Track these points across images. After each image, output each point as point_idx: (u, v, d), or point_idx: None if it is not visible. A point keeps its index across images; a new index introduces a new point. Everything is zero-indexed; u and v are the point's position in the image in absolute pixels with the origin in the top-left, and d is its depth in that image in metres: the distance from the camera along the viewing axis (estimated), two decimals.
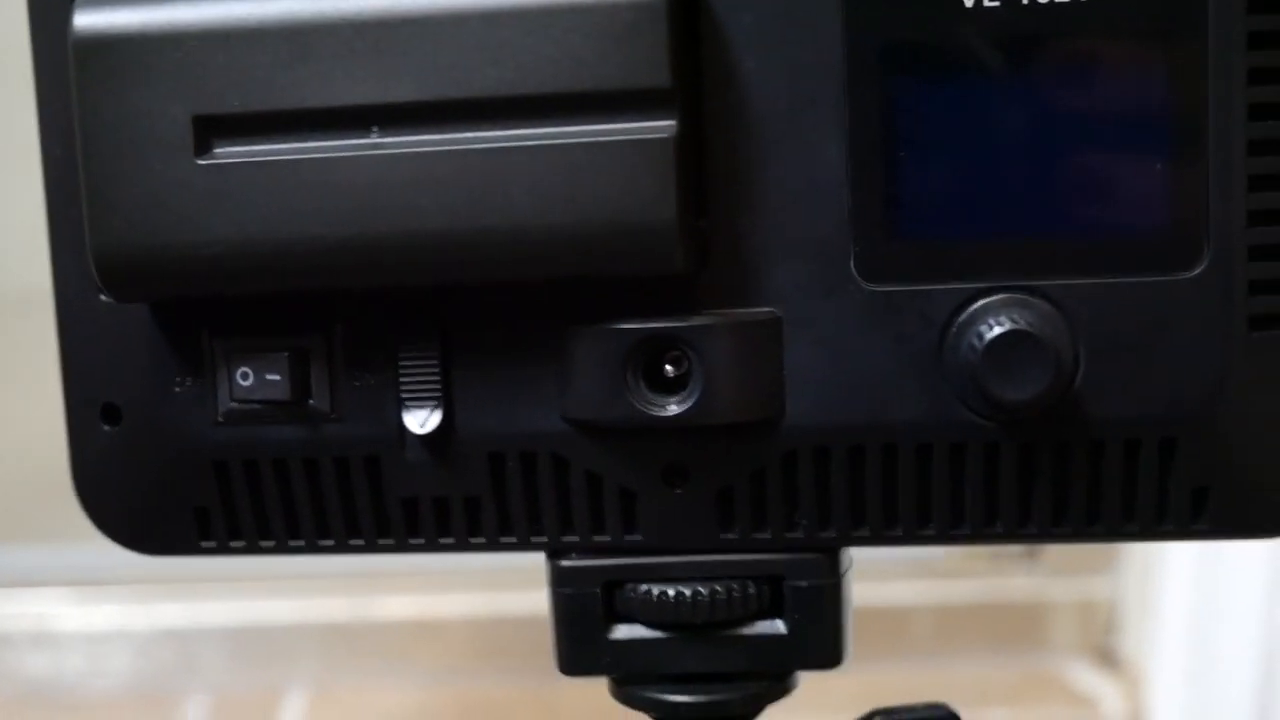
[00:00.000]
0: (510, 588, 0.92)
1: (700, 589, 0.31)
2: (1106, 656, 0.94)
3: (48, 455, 0.99)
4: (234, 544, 0.33)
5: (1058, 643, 0.94)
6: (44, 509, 1.01)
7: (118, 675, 0.94)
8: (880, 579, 0.93)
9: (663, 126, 0.27)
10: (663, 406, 0.29)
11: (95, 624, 0.94)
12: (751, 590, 0.31)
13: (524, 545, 0.32)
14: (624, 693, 0.33)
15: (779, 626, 0.31)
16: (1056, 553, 0.93)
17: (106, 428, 0.32)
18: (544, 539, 0.32)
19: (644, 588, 0.31)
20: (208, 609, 0.94)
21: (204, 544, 0.33)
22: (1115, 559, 0.93)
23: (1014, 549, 0.94)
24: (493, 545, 0.32)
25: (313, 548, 0.32)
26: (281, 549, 0.33)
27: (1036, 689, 0.92)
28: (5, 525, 0.98)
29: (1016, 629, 0.94)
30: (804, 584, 0.31)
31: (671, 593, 0.31)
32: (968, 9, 0.28)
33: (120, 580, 0.95)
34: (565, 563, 0.32)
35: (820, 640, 0.32)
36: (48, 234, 0.32)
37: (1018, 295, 0.29)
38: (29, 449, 0.96)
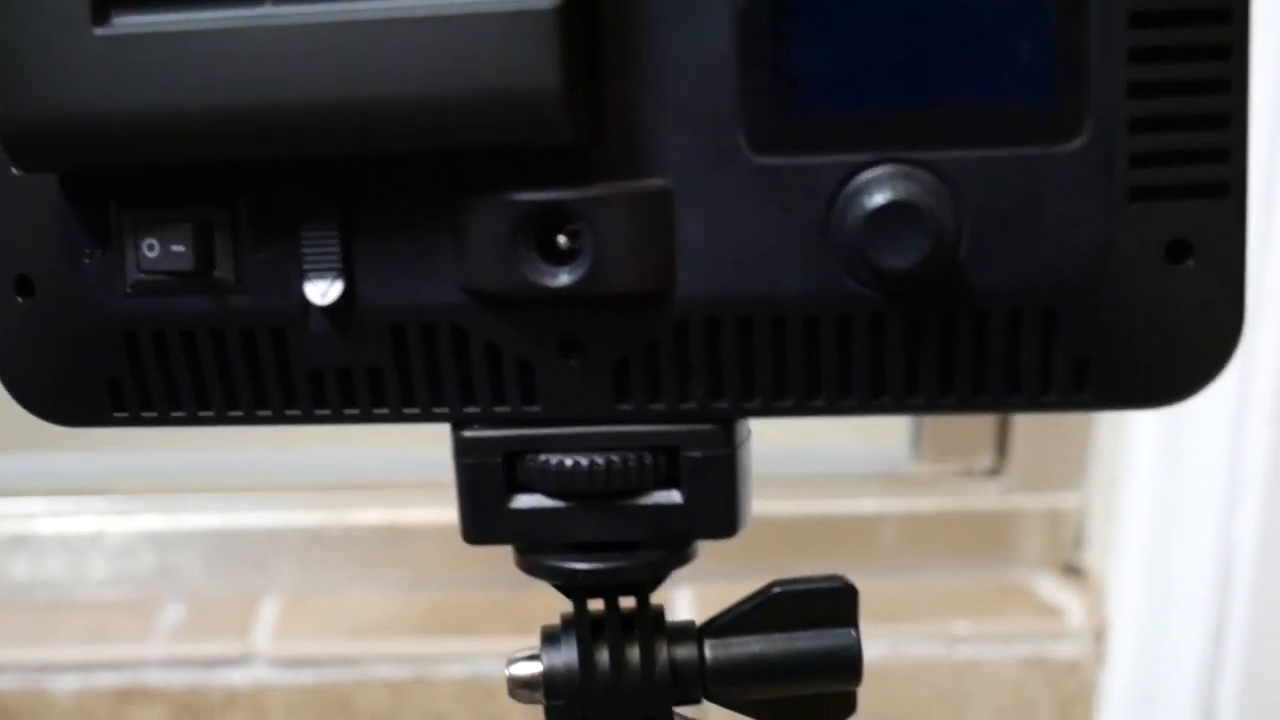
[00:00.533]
0: None
1: (598, 459, 0.32)
2: (1072, 569, 0.95)
3: None
4: (145, 414, 0.33)
5: (1024, 556, 0.95)
6: (24, 419, 1.02)
7: (97, 580, 0.95)
8: (849, 493, 0.94)
9: None
10: (555, 276, 0.30)
11: (75, 530, 0.95)
12: (648, 461, 0.32)
13: (427, 416, 0.32)
14: (527, 562, 0.34)
15: (675, 497, 0.32)
16: (1024, 467, 0.94)
17: (20, 300, 0.33)
18: (446, 410, 0.32)
19: (543, 458, 0.32)
20: (185, 517, 0.95)
21: (117, 415, 0.33)
22: (1082, 473, 0.93)
23: (982, 463, 0.95)
24: (396, 416, 0.33)
25: (222, 419, 0.33)
26: (191, 420, 0.33)
27: (1002, 600, 0.93)
28: None
29: (983, 542, 0.95)
30: (699, 455, 0.32)
31: (569, 463, 0.32)
32: None
33: (100, 489, 0.97)
34: (468, 433, 0.32)
35: (716, 510, 0.32)
36: None
37: (902, 167, 0.29)
38: None
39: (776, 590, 0.34)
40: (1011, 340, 0.30)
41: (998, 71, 0.29)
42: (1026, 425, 0.93)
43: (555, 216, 0.30)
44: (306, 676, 0.91)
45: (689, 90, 0.29)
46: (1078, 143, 0.28)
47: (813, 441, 1.01)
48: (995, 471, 0.95)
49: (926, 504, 0.94)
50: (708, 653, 0.34)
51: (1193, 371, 0.30)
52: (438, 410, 0.32)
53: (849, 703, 0.35)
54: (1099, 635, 0.90)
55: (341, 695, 0.91)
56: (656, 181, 0.30)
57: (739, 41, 0.29)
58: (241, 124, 0.29)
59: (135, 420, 0.33)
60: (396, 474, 0.97)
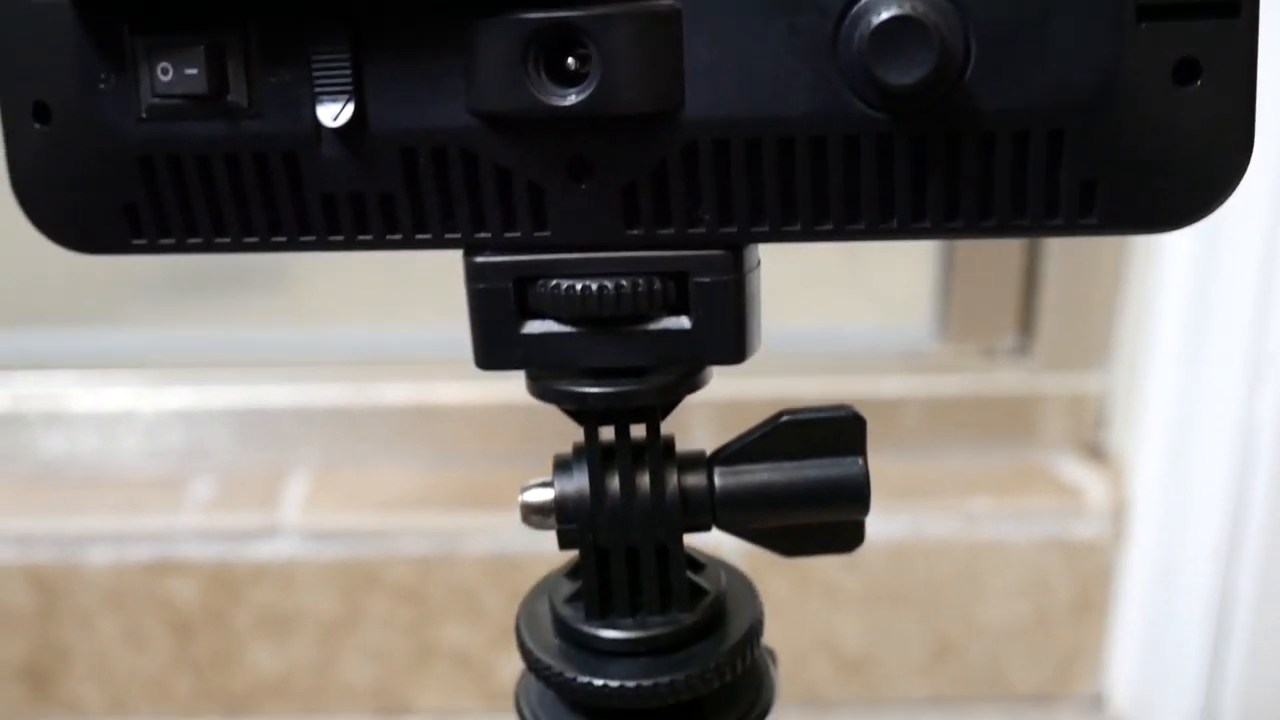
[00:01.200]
0: (507, 377, 0.93)
1: (607, 284, 0.32)
2: (1094, 450, 0.96)
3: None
4: (163, 241, 0.34)
5: (1047, 437, 0.96)
6: (56, 294, 1.03)
7: (128, 455, 0.97)
8: (872, 373, 0.94)
9: None
10: (563, 96, 0.30)
11: (106, 406, 0.96)
12: (657, 286, 0.32)
13: (439, 242, 0.33)
14: (538, 387, 0.34)
15: (684, 322, 0.33)
16: (1048, 348, 0.94)
17: (38, 126, 0.33)
18: (458, 235, 0.33)
19: (554, 283, 0.32)
20: (215, 392, 0.96)
21: (135, 242, 0.34)
22: (1107, 354, 0.93)
23: (1006, 344, 0.95)
24: (409, 242, 0.33)
25: (237, 245, 0.34)
26: (208, 247, 0.34)
27: (1024, 480, 0.93)
28: (19, 309, 1.01)
29: (1006, 423, 0.95)
30: (707, 280, 0.32)
31: (579, 287, 0.32)
32: None
33: (131, 364, 0.98)
34: (479, 259, 0.33)
35: (723, 335, 0.33)
36: None
37: None
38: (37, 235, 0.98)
39: (785, 419, 0.35)
40: (1018, 162, 0.30)
41: None
42: (1052, 305, 0.93)
43: (563, 37, 0.30)
44: (334, 550, 0.92)
45: None
46: None
47: (836, 322, 1.01)
48: (1019, 352, 0.95)
49: (949, 385, 0.94)
50: (717, 480, 0.35)
51: (1200, 194, 0.30)
52: (449, 236, 0.33)
53: (857, 533, 0.36)
54: (1118, 515, 0.91)
55: (369, 569, 0.92)
56: (664, 1, 0.30)
57: None
58: None
59: (153, 247, 0.34)
60: (424, 351, 0.97)
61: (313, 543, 0.92)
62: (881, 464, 0.87)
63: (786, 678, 0.96)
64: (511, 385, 1.02)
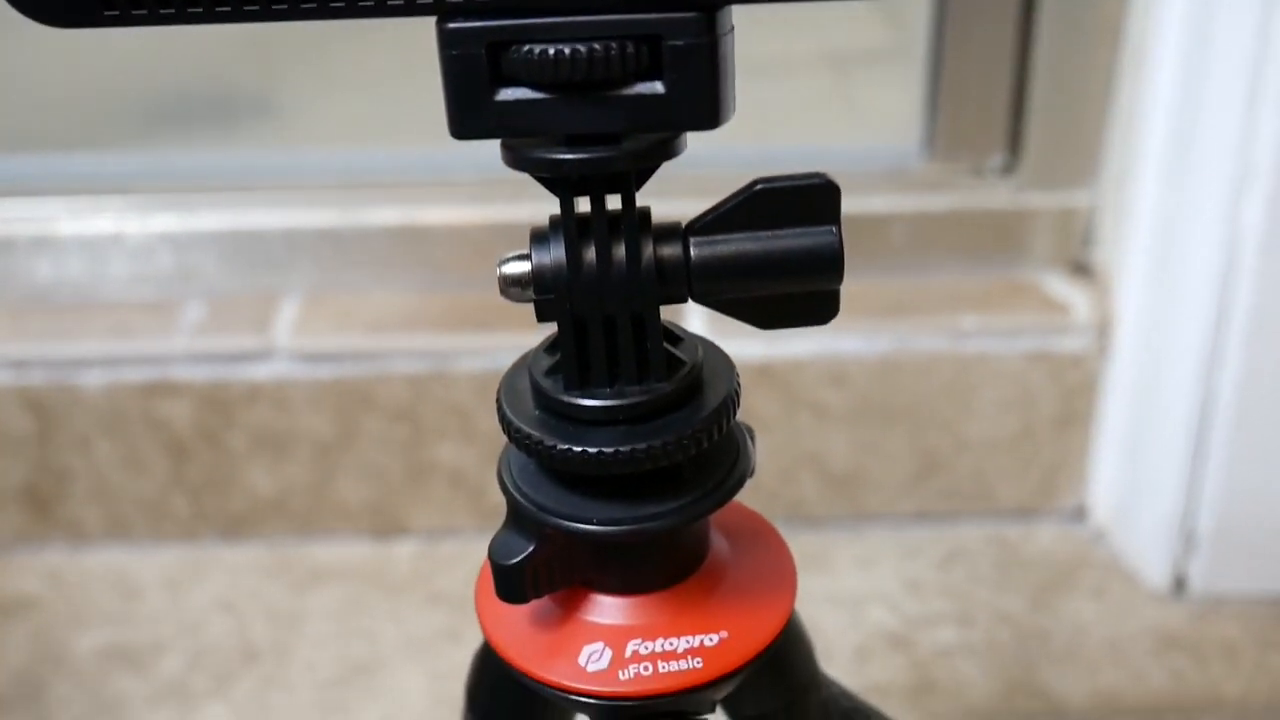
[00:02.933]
0: (497, 199, 0.94)
1: (580, 48, 0.32)
2: (1081, 267, 0.96)
3: (44, 68, 1.00)
4: (135, 13, 0.34)
5: (1034, 254, 0.96)
6: (41, 120, 1.02)
7: (117, 280, 0.97)
8: (860, 191, 0.94)
9: None
10: None
11: (94, 230, 0.96)
12: (630, 49, 0.32)
13: (411, 8, 0.33)
14: (513, 156, 0.34)
15: (658, 87, 0.32)
16: (1036, 165, 0.94)
17: None
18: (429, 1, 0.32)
19: (526, 48, 0.32)
20: (203, 217, 0.96)
21: (107, 13, 0.34)
22: (1095, 171, 0.93)
23: (993, 162, 0.94)
24: (380, 10, 0.33)
25: (210, 15, 0.33)
26: (181, 17, 0.33)
27: (1010, 296, 0.94)
28: (3, 136, 1.00)
29: (994, 240, 0.96)
30: (681, 43, 0.32)
31: (552, 51, 0.32)
32: None
33: (117, 189, 0.97)
34: (452, 25, 0.33)
35: (698, 100, 0.33)
36: None
37: None
38: (24, 61, 0.97)
39: (759, 187, 0.35)
40: None
41: None
42: (1039, 123, 0.92)
43: None
44: (327, 370, 0.93)
45: None
46: None
47: (824, 142, 1.01)
48: (1007, 170, 0.95)
49: (937, 202, 0.94)
50: (693, 250, 0.35)
51: None
52: (421, 1, 0.32)
53: (832, 303, 0.36)
54: (1104, 329, 0.92)
55: (362, 389, 0.93)
56: None
57: None
58: None
59: (125, 19, 0.34)
60: (412, 173, 0.97)
61: (305, 364, 0.93)
62: (870, 281, 0.87)
63: (773, 494, 0.98)
64: (499, 207, 1.02)
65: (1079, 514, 0.98)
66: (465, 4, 0.32)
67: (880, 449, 0.95)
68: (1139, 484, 0.92)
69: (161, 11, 0.33)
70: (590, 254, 0.35)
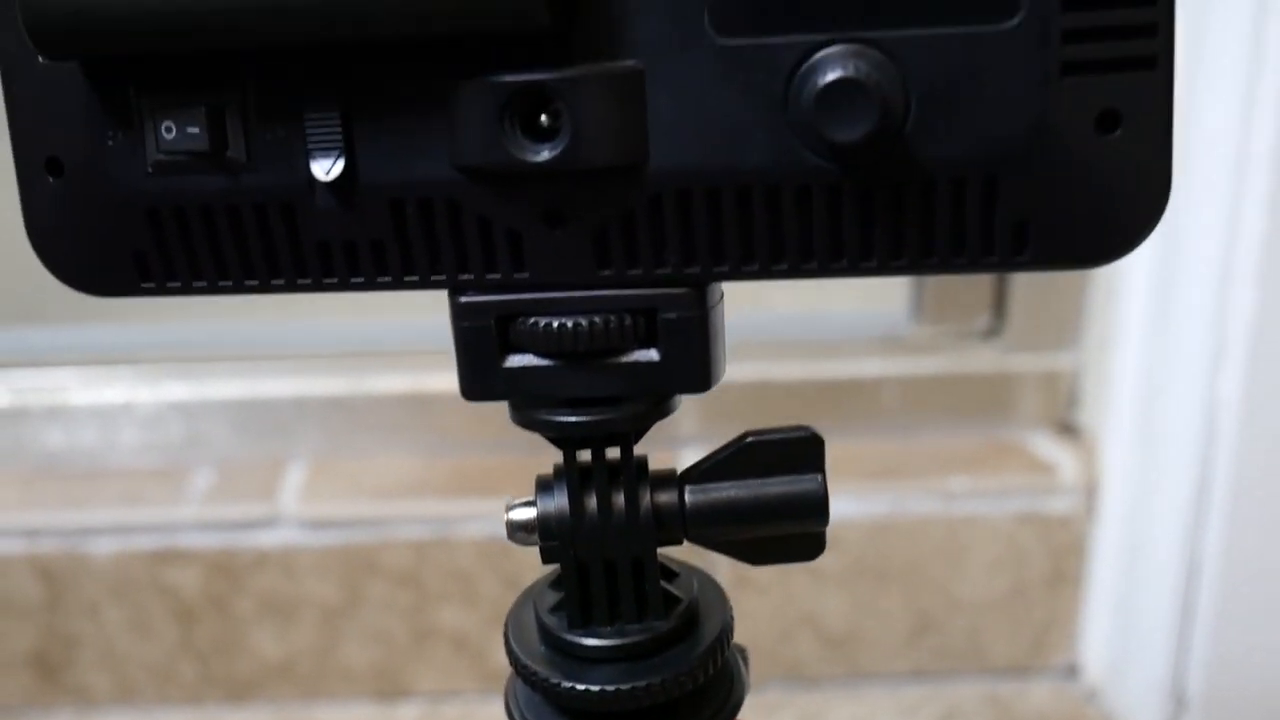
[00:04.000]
0: None
1: (582, 321, 0.35)
2: (1067, 427, 0.99)
3: None
4: (170, 285, 0.36)
5: (1021, 415, 0.98)
6: (54, 293, 1.05)
7: (128, 448, 0.99)
8: (852, 356, 0.97)
9: None
10: (537, 152, 0.32)
11: (105, 400, 0.99)
12: (628, 322, 0.35)
13: (425, 284, 0.35)
14: (521, 417, 0.37)
15: (653, 355, 0.35)
16: (1021, 329, 0.97)
17: (51, 180, 0.36)
18: (443, 277, 0.35)
19: (532, 320, 0.35)
20: (212, 385, 0.99)
21: (144, 285, 0.36)
22: (1077, 334, 0.96)
23: (980, 325, 0.97)
24: (398, 284, 0.36)
25: (239, 288, 0.36)
26: (212, 290, 0.36)
27: (999, 457, 0.96)
28: (19, 308, 1.03)
29: (981, 402, 0.98)
30: (674, 316, 0.35)
31: (556, 324, 0.35)
32: None
33: (129, 360, 1.00)
34: (464, 299, 0.35)
35: (690, 367, 0.35)
36: None
37: (854, 46, 0.31)
38: None
39: (750, 440, 0.37)
40: (956, 206, 0.32)
41: None
42: (1023, 288, 0.96)
43: (537, 98, 0.32)
44: (333, 537, 0.95)
45: None
46: (1014, 21, 0.31)
47: (817, 308, 1.04)
48: (992, 333, 0.98)
49: (926, 366, 0.97)
50: (688, 498, 0.38)
51: (1124, 233, 0.32)
52: (435, 278, 0.35)
53: (818, 543, 0.38)
54: (1090, 491, 0.94)
55: (367, 555, 0.95)
56: (629, 63, 0.32)
57: None
58: (247, 14, 0.31)
59: (160, 290, 0.36)
60: (418, 342, 1.00)
61: (312, 531, 0.95)
62: (861, 443, 0.90)
63: (771, 655, 0.99)
64: None
65: (1072, 672, 1.00)
66: (476, 281, 0.35)
67: (875, 609, 0.97)
68: (1129, 644, 0.94)
69: (195, 285, 0.36)
70: (592, 503, 0.37)
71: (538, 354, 0.35)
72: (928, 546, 0.95)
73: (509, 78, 0.32)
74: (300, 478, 0.97)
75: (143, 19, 0.32)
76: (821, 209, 0.33)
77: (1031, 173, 0.32)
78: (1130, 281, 0.88)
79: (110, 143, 0.35)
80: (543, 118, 0.32)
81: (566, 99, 0.32)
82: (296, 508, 0.95)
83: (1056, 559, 0.96)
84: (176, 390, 0.99)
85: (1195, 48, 0.80)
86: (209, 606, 0.97)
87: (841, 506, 0.93)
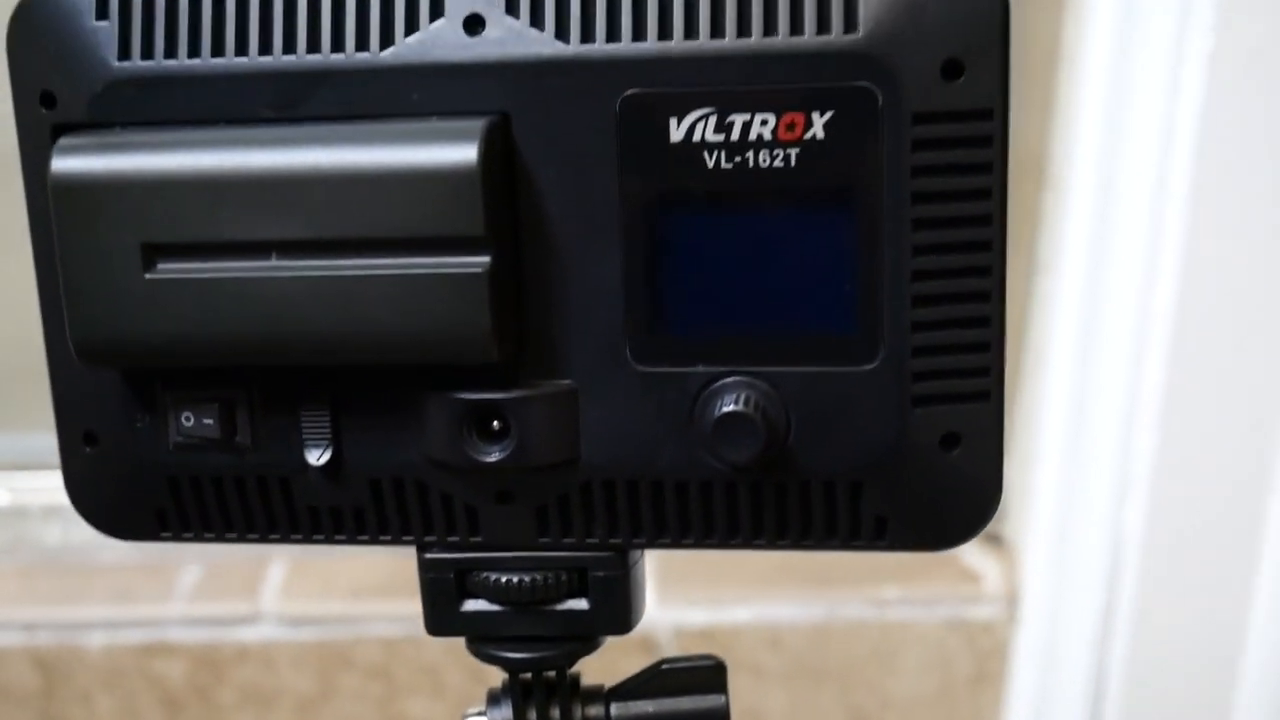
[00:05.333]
0: None
1: (525, 577, 0.42)
2: (992, 538, 1.06)
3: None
4: (185, 534, 0.44)
5: None
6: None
7: (120, 546, 1.06)
8: None
9: (479, 262, 0.37)
10: (489, 453, 0.40)
11: None
12: (563, 578, 0.42)
13: (398, 541, 0.43)
14: (475, 649, 0.44)
15: (583, 604, 0.43)
16: None
17: (87, 449, 0.43)
18: (412, 538, 0.43)
19: (485, 574, 0.42)
20: None
21: (163, 534, 0.44)
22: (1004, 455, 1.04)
23: None
24: (374, 541, 0.43)
25: (243, 539, 0.44)
26: (220, 539, 0.44)
27: (928, 565, 1.04)
28: (20, 414, 1.10)
29: None
30: (601, 574, 0.42)
31: (505, 579, 0.42)
32: (710, 169, 0.38)
33: None
34: (429, 555, 0.43)
35: (614, 614, 0.43)
36: (39, 304, 0.42)
37: (745, 379, 0.39)
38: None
39: (664, 666, 0.45)
40: (829, 503, 0.40)
41: (815, 311, 0.39)
42: None
43: (490, 409, 0.40)
44: (310, 633, 1.02)
45: (589, 317, 0.39)
46: (874, 364, 0.38)
47: None
48: None
49: None
50: (612, 711, 0.45)
51: (963, 526, 0.40)
52: (406, 538, 0.43)
53: None
54: (1012, 599, 1.02)
55: (341, 650, 1.02)
56: (565, 383, 0.40)
57: (624, 282, 0.39)
58: (252, 344, 0.39)
59: (177, 538, 0.44)
60: None
61: (291, 627, 1.02)
62: (802, 554, 0.99)
63: None
64: None
65: None
66: (439, 542, 0.43)
67: (814, 706, 1.05)
68: None
69: (205, 535, 0.44)
70: (533, 715, 0.45)
71: (490, 601, 0.43)
72: (862, 649, 1.03)
73: (467, 395, 0.40)
74: (280, 577, 1.04)
75: (169, 347, 0.39)
76: (720, 500, 0.40)
77: (889, 481, 0.39)
78: (1049, 412, 0.96)
79: (138, 424, 0.42)
80: (495, 423, 0.40)
81: (514, 413, 0.40)
82: (277, 605, 1.02)
83: (981, 661, 1.03)
84: None
85: (1097, 253, 0.88)
86: (194, 696, 1.04)
87: (782, 611, 1.01)
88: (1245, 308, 0.84)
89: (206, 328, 0.39)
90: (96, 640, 1.02)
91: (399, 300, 0.38)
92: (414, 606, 1.03)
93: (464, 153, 0.37)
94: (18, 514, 1.06)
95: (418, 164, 0.37)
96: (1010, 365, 0.99)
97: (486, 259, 0.37)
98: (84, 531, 1.04)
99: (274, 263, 0.38)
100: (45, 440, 1.08)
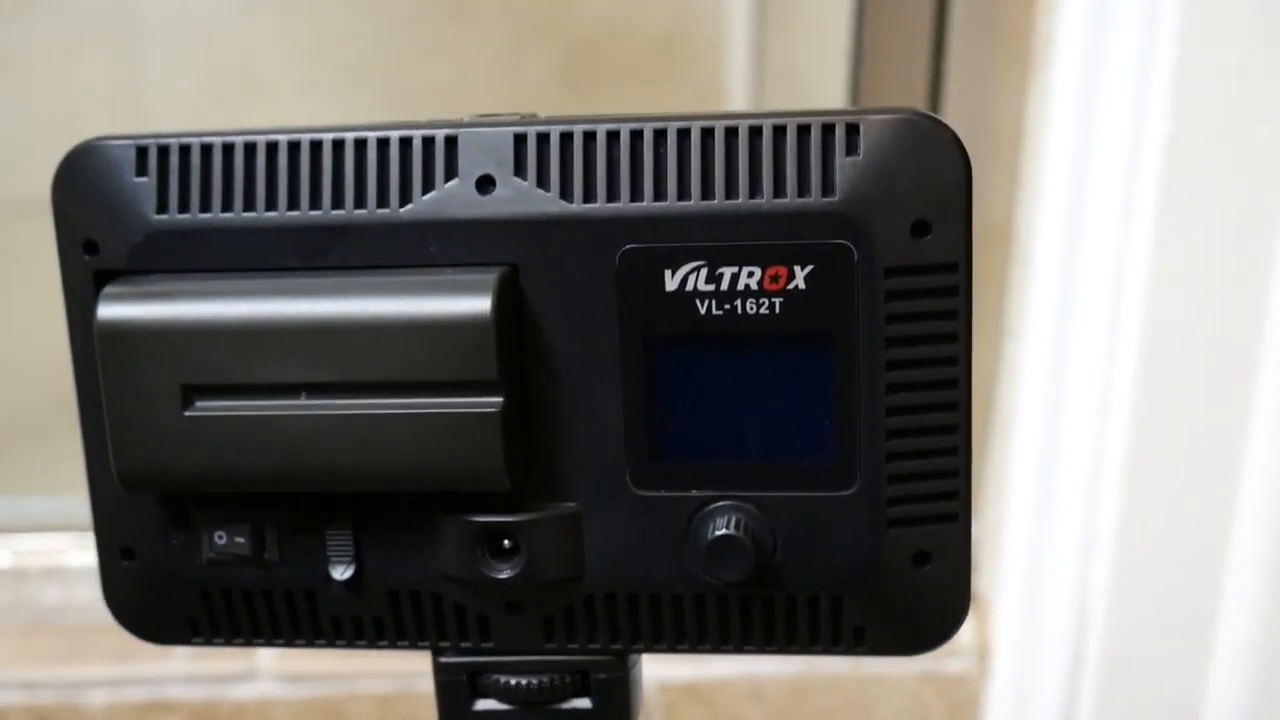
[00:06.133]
0: None
1: (533, 679, 0.46)
2: None
3: (56, 412, 1.13)
4: (215, 640, 0.47)
5: None
6: (50, 466, 1.15)
7: None
8: None
9: (492, 403, 0.41)
10: (500, 570, 0.43)
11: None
12: (568, 680, 0.46)
13: (414, 647, 0.46)
14: None
15: (586, 703, 0.46)
16: None
17: (125, 563, 0.46)
18: (428, 644, 0.46)
19: (495, 677, 0.46)
20: None
21: (194, 640, 0.47)
22: (977, 511, 1.08)
23: None
24: (393, 646, 0.46)
25: (269, 643, 0.47)
26: (247, 644, 0.47)
27: None
28: (20, 479, 1.13)
29: None
30: (603, 676, 0.46)
31: (513, 681, 0.46)
32: (701, 315, 0.42)
33: None
34: (443, 659, 0.46)
35: (615, 711, 0.46)
36: (81, 431, 0.45)
37: (734, 503, 0.43)
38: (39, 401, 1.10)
39: None
40: (812, 615, 0.44)
41: (798, 442, 0.42)
42: None
43: (501, 531, 0.43)
44: (305, 690, 1.05)
45: (592, 446, 0.43)
46: (853, 490, 0.42)
47: None
48: None
49: None
50: None
51: (934, 634, 0.44)
52: (422, 644, 0.46)
53: None
54: (984, 653, 1.06)
55: (335, 706, 1.06)
56: (570, 505, 0.43)
57: (624, 416, 0.42)
58: (282, 474, 0.42)
59: (207, 643, 0.47)
60: None
61: (286, 684, 1.05)
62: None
63: None
64: None
65: None
66: (452, 648, 0.46)
67: None
68: None
69: (234, 640, 0.47)
70: None
71: (500, 700, 0.46)
72: (840, 700, 1.06)
73: (479, 519, 0.43)
74: None
75: (206, 477, 0.42)
76: (712, 612, 0.44)
77: (867, 595, 0.43)
78: (1017, 473, 1.01)
79: (172, 542, 0.46)
80: (505, 542, 0.44)
81: (523, 534, 0.43)
82: (273, 663, 1.05)
83: (954, 712, 1.07)
84: None
85: (1061, 318, 0.93)
86: None
87: (763, 665, 1.05)
88: (1205, 374, 0.89)
89: (240, 460, 0.42)
90: (98, 699, 1.05)
91: (418, 436, 0.41)
92: (406, 663, 1.06)
93: (478, 304, 0.40)
94: (18, 575, 1.08)
95: (436, 314, 0.41)
96: (979, 427, 1.04)
97: (499, 399, 0.41)
98: (82, 592, 1.07)
99: (303, 401, 0.42)
100: (44, 504, 1.11)
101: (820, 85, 1.58)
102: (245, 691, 1.05)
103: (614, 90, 1.87)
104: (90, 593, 1.08)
